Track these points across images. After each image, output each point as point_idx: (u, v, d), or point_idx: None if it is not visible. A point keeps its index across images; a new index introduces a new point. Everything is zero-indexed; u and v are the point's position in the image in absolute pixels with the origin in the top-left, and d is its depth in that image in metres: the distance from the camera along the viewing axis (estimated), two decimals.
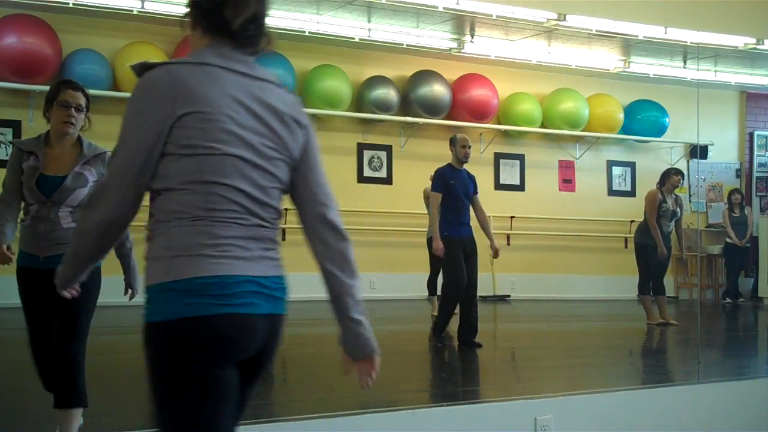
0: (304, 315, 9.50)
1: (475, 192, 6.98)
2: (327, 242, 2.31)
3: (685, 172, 12.98)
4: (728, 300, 12.05)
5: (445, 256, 6.73)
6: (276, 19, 9.28)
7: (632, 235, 11.79)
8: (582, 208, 12.17)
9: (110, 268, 10.03)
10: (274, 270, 2.29)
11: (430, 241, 9.01)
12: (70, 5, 8.59)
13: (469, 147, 6.91)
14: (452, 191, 6.79)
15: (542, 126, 11.76)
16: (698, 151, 12.69)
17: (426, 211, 9.02)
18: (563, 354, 6.91)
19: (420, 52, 10.62)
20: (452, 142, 7.00)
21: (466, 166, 7.00)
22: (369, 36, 9.80)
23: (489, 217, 10.03)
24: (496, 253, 7.02)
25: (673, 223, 8.55)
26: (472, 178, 6.99)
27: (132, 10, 8.79)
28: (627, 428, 4.76)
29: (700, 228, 12.72)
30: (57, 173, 3.79)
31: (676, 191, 8.69)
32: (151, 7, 8.74)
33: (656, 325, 8.47)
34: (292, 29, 9.58)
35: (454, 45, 10.34)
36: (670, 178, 8.59)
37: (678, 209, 8.60)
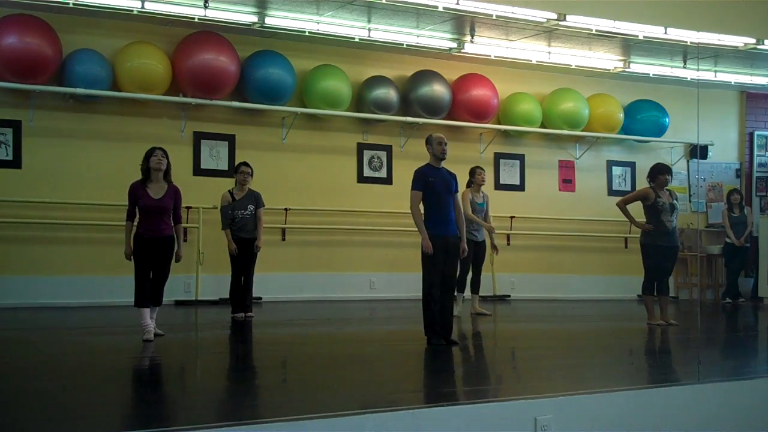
0: (304, 315, 9.53)
1: (456, 190, 6.97)
2: None
3: (685, 172, 13.00)
4: (728, 300, 12.04)
5: (423, 254, 6.70)
6: (276, 19, 9.30)
7: (632, 235, 11.84)
8: (582, 208, 12.18)
9: (109, 268, 9.98)
10: None
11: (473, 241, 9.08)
12: (70, 5, 8.59)
13: (446, 144, 6.91)
14: (433, 188, 6.78)
15: (542, 126, 11.76)
16: (698, 151, 12.69)
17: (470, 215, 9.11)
18: (563, 354, 6.91)
19: (420, 52, 10.63)
20: (428, 141, 6.97)
21: (453, 167, 7.02)
22: (369, 36, 9.81)
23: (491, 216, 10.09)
24: (462, 253, 6.96)
25: (675, 217, 8.53)
26: (453, 176, 6.97)
27: (132, 10, 8.78)
28: (627, 428, 4.76)
29: (700, 228, 12.72)
30: None
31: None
32: (151, 7, 8.73)
33: (656, 325, 8.46)
34: (292, 29, 9.59)
35: (454, 45, 10.34)
36: (657, 178, 8.58)
37: (675, 201, 8.59)
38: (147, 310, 6.76)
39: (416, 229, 6.82)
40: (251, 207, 8.38)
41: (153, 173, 6.81)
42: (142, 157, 6.89)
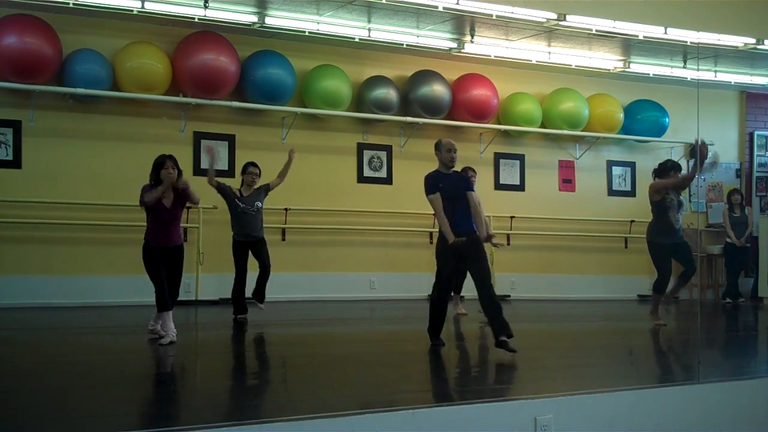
0: (305, 315, 9.53)
1: (471, 189, 6.89)
2: None
3: (685, 172, 12.98)
4: (728, 300, 12.04)
5: (436, 255, 6.70)
6: (276, 19, 9.30)
7: (632, 236, 11.84)
8: (582, 208, 12.17)
9: (109, 268, 9.99)
10: None
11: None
12: (70, 5, 8.59)
13: (455, 151, 6.81)
14: (442, 194, 6.76)
15: (542, 126, 11.75)
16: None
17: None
18: (563, 354, 6.91)
19: (420, 52, 10.63)
20: (437, 147, 6.89)
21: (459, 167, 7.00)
22: (369, 36, 9.81)
23: (489, 216, 10.08)
24: (487, 239, 6.79)
25: (681, 216, 8.53)
26: (462, 179, 6.93)
27: (132, 10, 8.78)
28: (627, 428, 4.76)
29: (700, 228, 12.72)
30: None
31: None
32: (151, 7, 8.73)
33: (662, 325, 8.44)
34: (292, 29, 9.59)
35: (454, 45, 10.34)
36: (671, 174, 8.58)
37: (681, 199, 8.62)
38: (170, 313, 6.63)
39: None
40: (258, 204, 8.34)
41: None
42: (151, 164, 6.68)
